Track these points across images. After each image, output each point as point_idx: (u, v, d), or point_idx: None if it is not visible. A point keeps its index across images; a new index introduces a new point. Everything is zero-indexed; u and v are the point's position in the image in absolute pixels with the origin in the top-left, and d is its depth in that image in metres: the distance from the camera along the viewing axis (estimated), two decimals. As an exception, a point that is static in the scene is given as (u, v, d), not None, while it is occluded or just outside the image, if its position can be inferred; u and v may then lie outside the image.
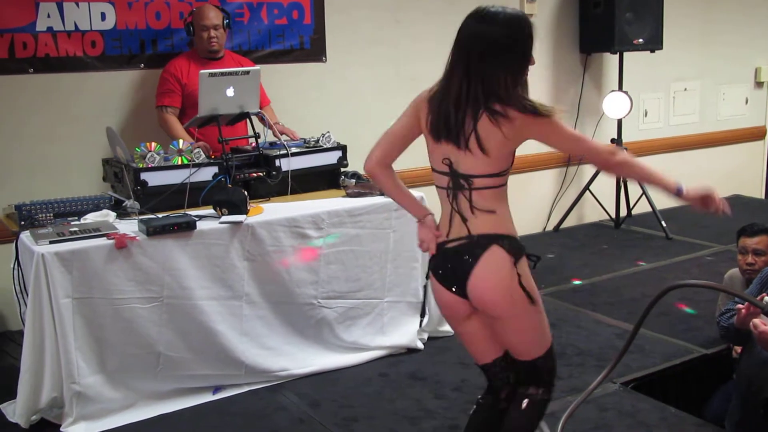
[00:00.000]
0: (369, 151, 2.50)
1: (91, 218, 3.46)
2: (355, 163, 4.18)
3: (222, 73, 3.82)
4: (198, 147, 3.74)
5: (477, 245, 2.28)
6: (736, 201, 7.08)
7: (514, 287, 2.27)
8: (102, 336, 3.23)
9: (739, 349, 3.49)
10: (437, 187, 2.38)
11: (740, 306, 2.94)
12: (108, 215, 3.50)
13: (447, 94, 2.27)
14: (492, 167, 2.27)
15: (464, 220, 2.30)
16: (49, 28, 4.22)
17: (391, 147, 2.49)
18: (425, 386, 3.52)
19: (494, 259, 2.27)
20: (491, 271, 2.27)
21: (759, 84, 7.48)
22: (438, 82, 2.33)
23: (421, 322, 3.24)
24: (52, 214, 3.48)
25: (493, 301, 2.29)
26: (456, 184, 2.30)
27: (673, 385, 3.68)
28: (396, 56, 5.32)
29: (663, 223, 5.90)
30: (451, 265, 2.33)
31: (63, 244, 3.16)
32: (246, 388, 3.53)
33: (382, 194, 3.85)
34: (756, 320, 2.81)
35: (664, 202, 6.26)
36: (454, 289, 2.33)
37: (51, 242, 3.15)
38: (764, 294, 2.91)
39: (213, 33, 4.22)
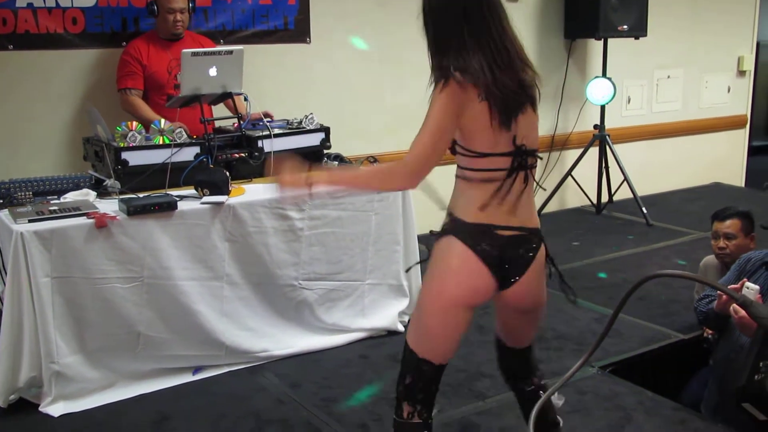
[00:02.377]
0: (415, 164, 2.10)
1: (71, 197, 3.44)
2: (338, 145, 4.19)
3: (205, 53, 3.79)
4: (180, 127, 3.71)
5: (532, 239, 2.19)
6: (716, 189, 7.15)
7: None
8: (81, 315, 3.21)
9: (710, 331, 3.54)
10: (483, 171, 2.14)
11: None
12: (88, 194, 3.47)
13: (503, 64, 2.09)
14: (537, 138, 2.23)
15: (516, 206, 2.16)
16: (30, 4, 4.16)
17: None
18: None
19: (542, 257, 2.23)
20: (539, 272, 2.23)
21: (741, 73, 7.52)
22: (457, 60, 2.10)
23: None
24: (31, 193, 3.45)
25: (537, 300, 2.27)
26: (521, 164, 2.15)
27: (650, 370, 3.72)
28: (380, 39, 5.30)
29: (644, 209, 5.94)
30: (506, 254, 2.15)
31: (42, 222, 3.13)
32: (226, 369, 3.53)
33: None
34: (736, 305, 2.85)
35: (644, 189, 6.32)
36: (495, 275, 2.17)
37: (30, 221, 3.13)
38: (744, 280, 2.94)
39: (179, 17, 4.16)
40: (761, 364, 1.01)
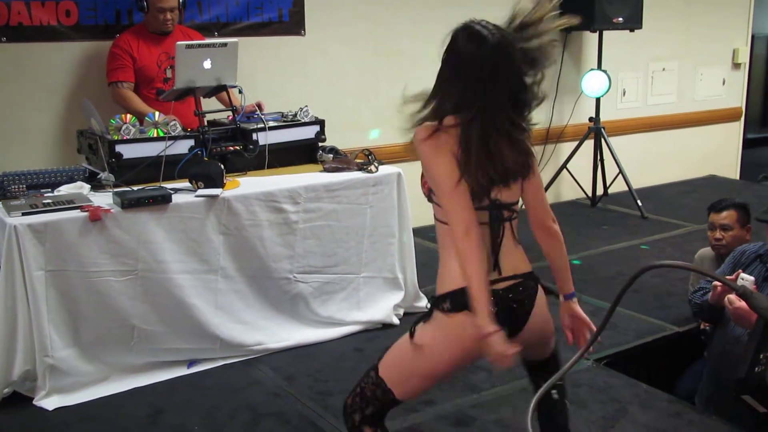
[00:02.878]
0: (462, 226, 2.03)
1: (64, 190, 3.43)
2: (333, 138, 4.18)
3: (199, 45, 3.78)
4: (174, 120, 3.70)
5: (528, 283, 2.17)
6: (711, 181, 7.15)
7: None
8: (76, 309, 3.20)
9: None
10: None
11: (717, 283, 2.97)
12: (82, 187, 3.46)
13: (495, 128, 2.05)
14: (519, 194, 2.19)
15: (504, 257, 2.14)
16: (23, -4, 4.15)
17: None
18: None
19: (542, 297, 2.21)
20: (542, 310, 2.21)
21: (736, 65, 7.53)
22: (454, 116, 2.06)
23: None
24: (25, 186, 3.44)
25: (544, 332, 2.27)
26: (498, 217, 2.12)
27: (645, 362, 3.72)
28: (375, 32, 5.28)
29: (639, 202, 5.94)
30: (503, 306, 2.10)
31: (36, 215, 3.12)
32: (221, 362, 3.53)
33: (359, 170, 3.85)
34: (731, 296, 2.85)
35: (639, 181, 6.33)
36: (512, 330, 2.11)
37: (24, 214, 3.12)
38: (739, 271, 2.94)
39: (169, 15, 4.13)
40: (761, 356, 1.01)
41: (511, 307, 2.13)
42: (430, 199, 2.18)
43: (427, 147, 2.06)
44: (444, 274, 2.15)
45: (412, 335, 2.17)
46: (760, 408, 1.00)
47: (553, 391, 2.39)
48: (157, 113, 3.71)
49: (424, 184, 2.21)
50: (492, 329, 1.99)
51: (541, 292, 2.21)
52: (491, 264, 2.12)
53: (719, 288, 3.00)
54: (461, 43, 2.06)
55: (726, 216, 3.76)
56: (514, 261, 2.16)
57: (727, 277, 2.93)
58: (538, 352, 2.36)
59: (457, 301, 2.09)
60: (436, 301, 2.16)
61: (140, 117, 3.78)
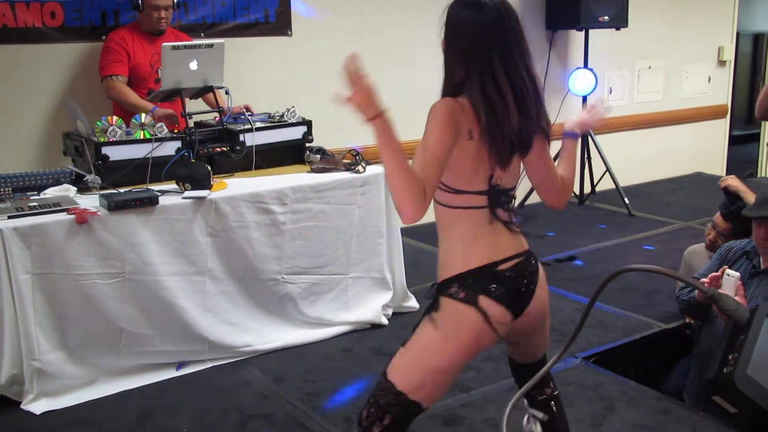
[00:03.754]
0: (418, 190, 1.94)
1: (51, 193, 3.41)
2: (320, 139, 4.17)
3: (186, 46, 3.77)
4: (162, 121, 3.69)
5: (530, 260, 2.17)
6: (697, 178, 7.19)
7: None
8: (63, 312, 3.19)
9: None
10: (460, 208, 2.10)
11: (704, 279, 2.98)
12: (68, 190, 3.44)
13: (505, 108, 2.03)
14: (517, 178, 2.18)
15: (508, 235, 2.15)
16: (7, -2, 4.13)
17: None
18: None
19: (544, 277, 2.23)
20: (544, 289, 2.22)
21: (722, 63, 7.57)
22: (465, 85, 2.05)
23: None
24: (10, 189, 3.41)
25: (544, 317, 2.26)
26: (496, 202, 2.12)
27: (633, 360, 3.74)
28: (362, 30, 5.28)
29: (626, 200, 5.97)
30: (512, 288, 2.11)
31: (22, 219, 3.11)
32: (210, 364, 3.52)
33: (347, 170, 3.84)
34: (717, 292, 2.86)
35: (626, 179, 6.35)
36: (510, 310, 2.11)
37: (9, 217, 3.10)
38: (725, 267, 2.96)
39: (164, 14, 4.14)
40: (730, 356, 1.02)
41: (519, 286, 2.12)
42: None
43: (439, 115, 2.01)
44: (447, 258, 2.13)
45: (419, 329, 2.11)
46: (730, 408, 1.00)
47: (552, 403, 2.38)
48: (143, 115, 3.69)
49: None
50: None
51: (542, 270, 2.21)
52: (494, 244, 2.11)
53: (707, 284, 3.01)
54: (458, 12, 2.06)
55: (728, 227, 3.69)
56: (513, 241, 2.16)
57: (713, 274, 2.95)
58: (532, 346, 2.34)
59: (466, 283, 2.07)
60: (442, 287, 2.11)
61: (138, 110, 3.78)
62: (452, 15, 2.08)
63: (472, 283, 2.07)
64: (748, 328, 1.06)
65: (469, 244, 2.10)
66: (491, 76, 2.02)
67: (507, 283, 2.09)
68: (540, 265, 2.22)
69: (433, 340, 2.09)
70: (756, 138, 8.14)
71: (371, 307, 3.90)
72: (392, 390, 2.09)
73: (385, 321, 3.91)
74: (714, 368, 1.03)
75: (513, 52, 2.05)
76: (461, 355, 2.09)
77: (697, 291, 3.16)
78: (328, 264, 3.79)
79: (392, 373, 2.11)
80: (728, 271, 2.89)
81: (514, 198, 2.19)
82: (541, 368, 2.31)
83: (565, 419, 2.45)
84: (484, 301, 2.06)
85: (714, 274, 2.93)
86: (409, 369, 2.10)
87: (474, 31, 2.03)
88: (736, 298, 2.80)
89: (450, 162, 2.01)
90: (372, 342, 3.76)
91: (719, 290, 2.82)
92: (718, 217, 3.77)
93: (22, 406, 3.13)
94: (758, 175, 7.93)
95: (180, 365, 3.48)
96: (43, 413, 3.12)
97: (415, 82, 5.26)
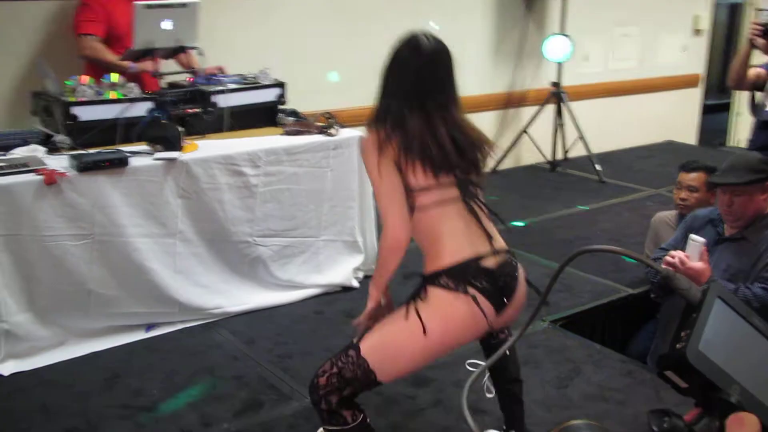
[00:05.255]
0: (388, 224, 2.16)
1: (19, 153, 3.36)
2: (294, 101, 4.15)
3: (159, 5, 3.70)
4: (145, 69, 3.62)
5: (511, 262, 2.23)
6: (669, 147, 7.25)
7: None
8: (31, 273, 3.17)
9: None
10: (435, 204, 2.17)
11: (672, 252, 2.99)
12: (37, 150, 3.40)
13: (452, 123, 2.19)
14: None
15: (484, 230, 2.21)
16: (-26, -47, 4.03)
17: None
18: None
19: (522, 276, 2.27)
20: (523, 289, 2.27)
21: (697, 32, 7.59)
22: (394, 119, 2.17)
23: None
24: (-23, 148, 3.37)
25: (521, 308, 2.31)
26: (467, 192, 2.20)
27: (599, 323, 3.80)
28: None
29: (597, 166, 6.01)
30: (497, 284, 2.17)
31: (-11, 179, 3.07)
32: (180, 326, 3.53)
33: (320, 133, 3.83)
34: (682, 257, 2.90)
35: (598, 146, 6.39)
36: (494, 305, 2.17)
37: (-24, 177, 3.06)
38: (691, 235, 2.99)
39: None
40: (682, 333, 1.05)
41: (502, 283, 2.18)
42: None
43: (370, 153, 2.17)
44: (436, 251, 2.17)
45: (406, 315, 2.14)
46: (681, 383, 1.04)
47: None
48: (114, 75, 3.64)
49: None
50: (376, 291, 2.25)
51: (521, 268, 2.28)
52: (478, 237, 2.18)
53: (670, 264, 3.00)
54: (400, 48, 2.21)
55: (695, 177, 3.79)
56: (493, 238, 2.22)
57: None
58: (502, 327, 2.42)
59: (456, 275, 2.13)
60: (431, 278, 2.16)
61: (114, 68, 3.73)
62: (395, 51, 2.22)
63: (462, 275, 2.12)
64: (700, 306, 1.09)
65: (449, 240, 2.16)
66: (426, 115, 2.15)
67: (490, 279, 2.15)
68: (520, 266, 2.28)
69: (416, 329, 2.12)
70: (728, 108, 8.21)
71: (342, 269, 3.92)
72: (364, 367, 2.14)
73: (356, 284, 3.93)
74: (667, 344, 1.07)
75: (447, 97, 2.20)
76: (444, 344, 2.17)
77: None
78: (299, 227, 3.79)
79: (366, 351, 2.16)
80: (692, 236, 2.93)
81: (481, 188, 2.26)
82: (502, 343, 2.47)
83: (517, 363, 2.56)
84: (473, 291, 2.13)
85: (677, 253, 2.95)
86: (386, 352, 2.17)
87: (412, 72, 2.18)
88: (701, 263, 2.85)
89: (404, 173, 2.14)
90: (343, 305, 3.78)
91: (684, 254, 2.88)
92: (681, 175, 3.85)
93: (-9, 367, 3.12)
94: (727, 144, 8.01)
95: (149, 327, 3.49)
96: (12, 374, 3.11)
97: (386, 47, 5.24)
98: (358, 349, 2.17)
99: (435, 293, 2.14)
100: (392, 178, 2.14)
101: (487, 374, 2.55)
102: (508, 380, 2.55)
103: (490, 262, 2.17)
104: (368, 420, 2.24)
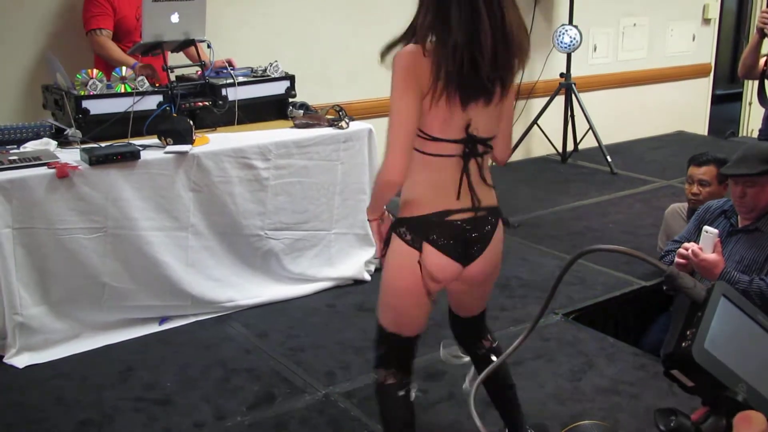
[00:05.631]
0: (387, 160, 2.05)
1: (31, 146, 3.37)
2: (304, 94, 4.14)
3: (167, -1, 3.70)
4: (143, 74, 3.65)
5: (488, 216, 2.18)
6: (679, 137, 7.22)
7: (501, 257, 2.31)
8: (45, 266, 3.18)
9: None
10: (432, 155, 2.09)
11: (686, 245, 2.98)
12: (49, 144, 3.41)
13: (476, 42, 1.95)
14: (497, 126, 2.16)
15: (471, 189, 2.13)
16: (-17, -53, 4.03)
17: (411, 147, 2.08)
18: (372, 317, 3.49)
19: (501, 234, 2.25)
20: (498, 246, 2.24)
21: (706, 21, 7.55)
22: (426, 28, 1.99)
23: None
24: (-10, 142, 3.38)
25: (494, 272, 2.29)
26: (472, 151, 2.11)
27: (612, 316, 3.79)
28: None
29: (608, 158, 5.98)
30: (461, 238, 2.14)
31: (2, 173, 3.07)
32: (192, 319, 3.54)
33: (330, 125, 3.82)
34: (696, 249, 2.89)
35: (609, 137, 6.37)
36: (458, 260, 2.16)
37: (-11, 171, 3.07)
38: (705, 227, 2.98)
39: None
40: (688, 332, 1.05)
41: (470, 236, 2.15)
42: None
43: (400, 75, 2.01)
44: (407, 197, 2.16)
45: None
46: (687, 382, 1.04)
47: (492, 356, 2.46)
48: (124, 68, 3.65)
49: None
50: (371, 216, 2.20)
51: (500, 228, 2.24)
52: (455, 194, 2.12)
53: (683, 260, 2.99)
54: None
55: (705, 171, 3.71)
56: (477, 194, 2.15)
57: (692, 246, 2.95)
58: (471, 299, 2.39)
59: (415, 228, 2.13)
60: (395, 224, 2.18)
61: (120, 65, 3.73)
62: None
63: (421, 228, 2.12)
64: (705, 305, 1.09)
65: (431, 189, 2.13)
66: (470, 18, 1.95)
67: (455, 234, 2.13)
68: (500, 224, 2.24)
69: (385, 277, 2.23)
70: (738, 97, 8.15)
71: (354, 262, 3.92)
72: (378, 324, 2.29)
73: (367, 277, 3.93)
74: (672, 343, 1.06)
75: None
76: (408, 288, 2.18)
77: (675, 261, 3.18)
78: (310, 220, 3.79)
79: (377, 309, 2.30)
80: (706, 227, 2.92)
81: (491, 148, 2.17)
82: (479, 323, 2.46)
83: (506, 368, 2.52)
84: (426, 248, 2.12)
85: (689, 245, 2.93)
86: (380, 305, 2.29)
87: None
88: (714, 254, 2.84)
89: (424, 108, 2.03)
90: (354, 298, 3.78)
91: (698, 246, 2.87)
92: (691, 168, 3.79)
93: (5, 360, 3.14)
94: (740, 135, 7.97)
95: (163, 320, 3.49)
96: (26, 367, 3.13)
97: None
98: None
99: (393, 240, 2.17)
100: (410, 111, 2.01)
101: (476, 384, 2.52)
102: (500, 387, 2.51)
103: (457, 217, 2.13)
104: (401, 393, 2.29)
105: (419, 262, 2.12)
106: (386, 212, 2.21)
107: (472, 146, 2.11)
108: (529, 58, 2.09)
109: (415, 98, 2.00)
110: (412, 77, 1.99)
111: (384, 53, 2.06)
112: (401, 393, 2.29)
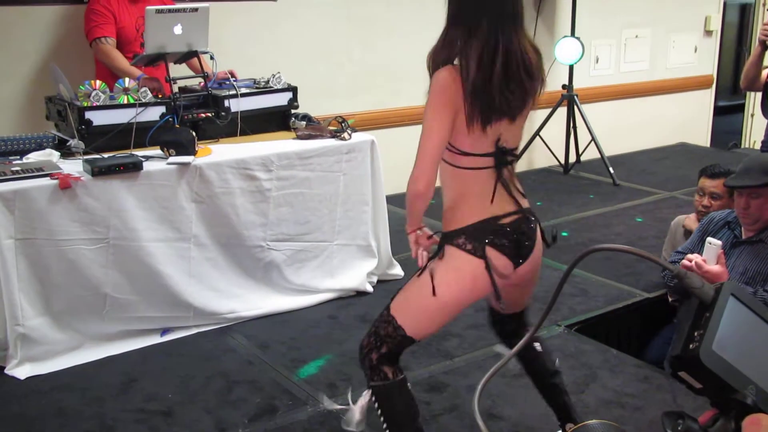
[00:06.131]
0: (415, 172, 2.19)
1: (33, 157, 3.38)
2: (306, 105, 4.15)
3: (170, 10, 3.72)
4: (145, 86, 3.66)
5: (531, 219, 2.32)
6: (682, 149, 7.21)
7: None
8: (47, 277, 3.18)
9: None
10: (466, 168, 2.22)
11: (690, 255, 2.98)
12: (51, 154, 3.41)
13: (508, 64, 2.14)
14: (521, 136, 2.32)
15: (511, 194, 2.27)
16: (-13, -41, 4.05)
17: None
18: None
19: (539, 233, 2.36)
20: (540, 244, 2.37)
21: (708, 33, 7.56)
22: (460, 57, 2.16)
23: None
24: (-8, 153, 3.38)
25: (539, 268, 2.41)
26: (502, 161, 2.24)
27: (615, 328, 3.77)
28: (348, -3, 5.24)
29: (611, 169, 5.98)
30: (513, 240, 2.25)
31: (5, 183, 3.08)
32: (194, 330, 3.53)
33: (332, 137, 3.83)
34: (699, 261, 2.88)
35: (611, 149, 6.37)
36: (512, 260, 2.27)
37: (-8, 181, 3.07)
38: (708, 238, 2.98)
39: None
40: (695, 333, 1.03)
41: (519, 239, 2.26)
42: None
43: (437, 93, 2.16)
44: (453, 211, 2.26)
45: (422, 272, 2.26)
46: (695, 384, 1.02)
47: (534, 343, 2.58)
48: (127, 79, 3.65)
49: None
50: (409, 229, 2.31)
51: (538, 228, 2.36)
52: (497, 201, 2.24)
53: (687, 265, 2.99)
54: None
55: (718, 184, 3.63)
56: (515, 198, 2.29)
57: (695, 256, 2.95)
58: (519, 297, 2.49)
59: (473, 236, 2.21)
60: (448, 237, 2.25)
61: (124, 75, 3.74)
62: None
63: (478, 235, 2.22)
64: (713, 305, 1.07)
65: (474, 199, 2.24)
66: (492, 49, 2.12)
67: (508, 236, 2.24)
68: (538, 224, 2.36)
69: (430, 285, 2.24)
70: (740, 109, 8.16)
71: (356, 274, 3.91)
72: (393, 323, 2.30)
73: (369, 288, 3.92)
74: (680, 344, 1.04)
75: (514, 26, 2.17)
76: (459, 300, 2.26)
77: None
78: (313, 231, 3.79)
79: (395, 308, 2.31)
80: (710, 239, 2.91)
81: (517, 156, 2.31)
82: (523, 317, 2.59)
83: (551, 355, 2.63)
84: (489, 251, 2.21)
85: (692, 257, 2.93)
86: (410, 308, 2.30)
87: (479, 4, 2.15)
88: (718, 266, 2.84)
89: (456, 126, 2.16)
90: (357, 309, 3.77)
91: (701, 257, 2.87)
92: (703, 180, 3.74)
93: (7, 371, 3.13)
94: (742, 146, 7.96)
95: (164, 331, 3.49)
96: (28, 378, 3.12)
97: (398, 51, 5.23)
98: (388, 308, 2.32)
99: (451, 253, 2.23)
100: (442, 128, 2.16)
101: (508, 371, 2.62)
102: (548, 375, 2.59)
103: (506, 220, 2.25)
104: (408, 384, 2.37)
105: (486, 268, 2.21)
106: (424, 226, 2.33)
107: (502, 158, 2.23)
108: (546, 82, 2.29)
109: (449, 116, 2.15)
110: (447, 97, 2.14)
111: (429, 64, 2.22)
112: (408, 385, 2.38)
